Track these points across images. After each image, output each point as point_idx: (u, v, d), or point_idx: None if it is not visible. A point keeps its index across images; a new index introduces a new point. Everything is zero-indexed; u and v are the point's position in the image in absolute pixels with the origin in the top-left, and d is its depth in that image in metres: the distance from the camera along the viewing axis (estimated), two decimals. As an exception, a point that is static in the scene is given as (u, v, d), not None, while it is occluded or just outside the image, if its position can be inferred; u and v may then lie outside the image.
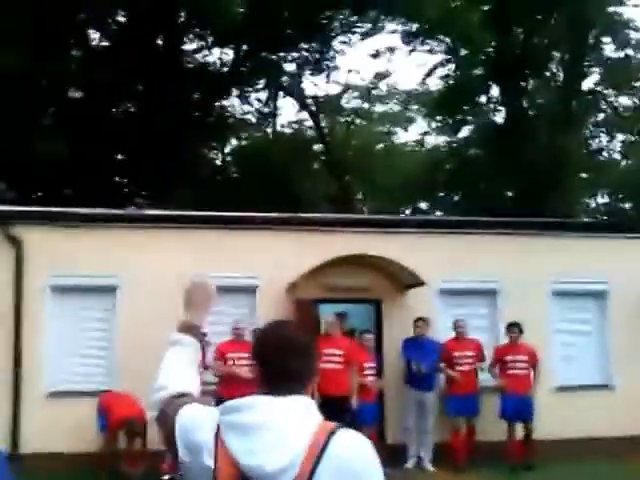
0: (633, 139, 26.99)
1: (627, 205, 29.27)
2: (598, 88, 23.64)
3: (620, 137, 27.33)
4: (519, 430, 9.77)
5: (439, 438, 9.85)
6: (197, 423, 1.86)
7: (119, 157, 21.49)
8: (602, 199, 30.05)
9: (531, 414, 9.67)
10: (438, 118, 26.40)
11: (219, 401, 8.62)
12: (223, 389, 8.89)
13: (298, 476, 1.67)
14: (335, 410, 7.92)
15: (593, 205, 29.40)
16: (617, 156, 28.72)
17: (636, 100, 24.12)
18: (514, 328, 9.85)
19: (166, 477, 8.58)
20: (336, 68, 24.13)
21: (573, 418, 10.37)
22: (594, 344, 11.19)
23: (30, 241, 9.93)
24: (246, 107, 25.29)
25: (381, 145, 29.42)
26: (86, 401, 9.29)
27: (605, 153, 27.75)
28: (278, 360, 1.85)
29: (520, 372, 9.75)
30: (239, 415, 1.77)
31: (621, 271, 11.03)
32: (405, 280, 10.30)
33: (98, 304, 10.20)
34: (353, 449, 1.74)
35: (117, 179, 22.53)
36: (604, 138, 26.95)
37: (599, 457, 9.65)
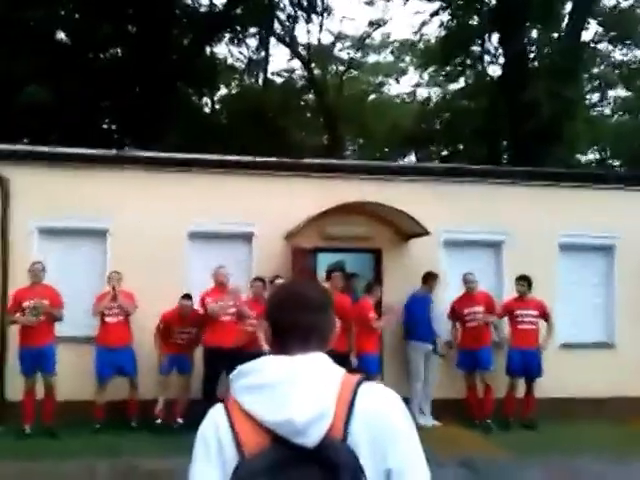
0: (627, 94, 26.62)
1: (617, 162, 29.09)
2: (597, 41, 23.13)
3: (612, 93, 27.06)
4: (521, 387, 9.47)
5: (448, 393, 9.63)
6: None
7: (107, 103, 20.77)
8: (592, 155, 29.82)
9: (539, 371, 9.33)
10: (433, 68, 25.78)
11: (205, 350, 8.68)
12: (207, 337, 8.80)
13: (333, 426, 1.58)
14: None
15: (584, 160, 29.07)
16: (608, 111, 28.49)
17: (636, 54, 23.63)
18: (523, 282, 9.40)
19: None
20: (330, 14, 23.43)
21: (576, 377, 10.04)
22: (601, 300, 10.79)
23: (18, 181, 9.34)
24: (237, 54, 24.56)
25: (373, 96, 28.83)
26: (72, 348, 8.94)
27: (598, 108, 27.46)
28: (292, 318, 1.76)
29: (528, 327, 9.33)
30: (255, 376, 1.66)
31: (630, 225, 10.68)
32: (408, 229, 9.86)
33: (88, 248, 9.69)
34: (383, 399, 1.69)
35: (106, 125, 21.88)
36: (598, 93, 26.58)
37: (600, 417, 9.44)
